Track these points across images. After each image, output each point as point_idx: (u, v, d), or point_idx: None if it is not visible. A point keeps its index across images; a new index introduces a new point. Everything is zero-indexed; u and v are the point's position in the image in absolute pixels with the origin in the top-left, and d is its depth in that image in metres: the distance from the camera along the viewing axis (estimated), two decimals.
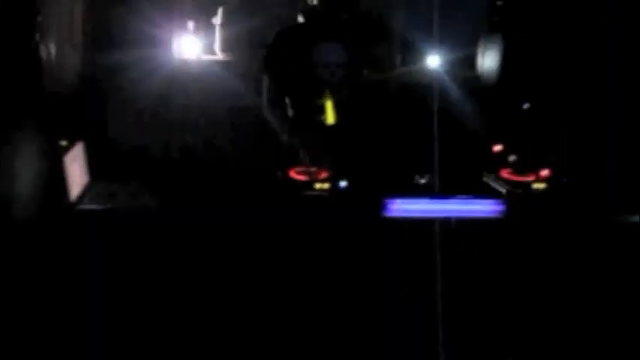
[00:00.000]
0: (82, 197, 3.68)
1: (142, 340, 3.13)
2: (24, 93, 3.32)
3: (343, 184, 3.87)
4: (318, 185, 3.84)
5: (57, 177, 3.44)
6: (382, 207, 3.45)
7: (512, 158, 4.23)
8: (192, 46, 4.33)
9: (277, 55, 4.05)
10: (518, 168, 4.14)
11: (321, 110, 3.94)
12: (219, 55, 4.42)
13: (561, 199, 3.92)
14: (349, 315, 3.33)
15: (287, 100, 4.07)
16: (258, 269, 3.43)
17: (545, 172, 4.09)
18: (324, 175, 3.90)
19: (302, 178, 3.89)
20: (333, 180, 3.87)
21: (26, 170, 3.34)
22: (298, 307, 3.35)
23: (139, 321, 3.17)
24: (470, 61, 4.69)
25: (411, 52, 4.58)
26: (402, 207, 3.53)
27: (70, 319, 3.03)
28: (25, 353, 2.88)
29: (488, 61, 4.63)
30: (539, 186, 4.04)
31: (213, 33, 4.45)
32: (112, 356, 3.06)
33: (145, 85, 4.03)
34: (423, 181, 3.88)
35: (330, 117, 3.96)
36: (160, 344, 3.11)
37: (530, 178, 4.08)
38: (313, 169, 3.92)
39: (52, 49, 3.65)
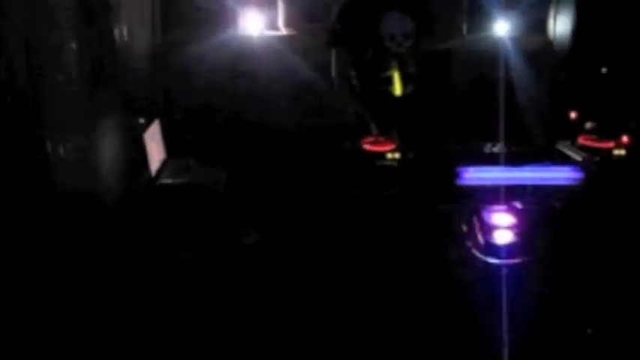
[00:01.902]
0: (160, 172, 3.83)
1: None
2: (102, 73, 3.46)
3: (414, 154, 3.85)
4: (389, 155, 3.84)
5: (138, 154, 3.59)
6: (456, 175, 3.41)
7: (589, 125, 4.09)
8: (255, 22, 4.37)
9: (343, 28, 4.03)
10: (597, 135, 4.00)
11: (389, 81, 3.92)
12: (283, 31, 4.45)
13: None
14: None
15: (354, 73, 4.06)
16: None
17: (624, 139, 3.93)
18: (394, 145, 3.90)
19: (373, 148, 3.90)
20: (404, 150, 3.86)
21: (111, 147, 3.51)
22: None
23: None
24: (542, 26, 4.54)
25: (479, 18, 4.47)
26: (475, 175, 3.47)
27: (154, 290, 3.15)
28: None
29: (560, 24, 4.46)
30: (620, 152, 3.89)
31: (276, 8, 4.47)
32: None
33: (212, 61, 4.10)
34: (495, 149, 3.81)
35: (397, 88, 3.94)
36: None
37: (610, 145, 3.94)
38: (383, 139, 3.92)
39: (125, 30, 3.77)
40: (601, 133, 4.00)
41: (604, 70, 4.29)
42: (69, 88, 3.19)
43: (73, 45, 3.22)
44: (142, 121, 3.77)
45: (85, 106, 3.28)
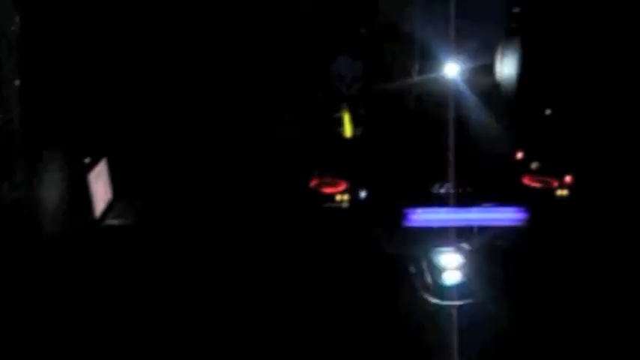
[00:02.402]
0: (105, 213, 3.74)
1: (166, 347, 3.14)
2: (49, 113, 3.40)
3: (363, 194, 3.86)
4: (338, 197, 3.84)
5: (82, 194, 3.50)
6: (403, 217, 3.43)
7: (534, 165, 4.19)
8: None
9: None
10: (541, 175, 4.09)
11: (339, 123, 3.95)
12: None
13: (585, 206, 3.85)
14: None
15: (302, 113, 4.08)
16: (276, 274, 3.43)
17: (568, 179, 4.03)
18: (343, 186, 3.90)
19: (322, 189, 3.90)
20: (353, 191, 3.87)
21: (52, 187, 3.41)
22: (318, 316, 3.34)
23: (165, 334, 3.19)
24: (488, 69, 4.67)
25: (429, 61, 4.57)
26: (422, 217, 3.50)
27: (95, 331, 3.06)
28: None
29: (506, 68, 4.60)
30: (562, 192, 3.98)
31: None
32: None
33: None
34: (442, 190, 3.85)
35: (347, 129, 3.97)
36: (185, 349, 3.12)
37: (554, 185, 4.03)
38: (332, 180, 3.93)
39: None
40: (545, 173, 4.09)
41: (548, 111, 4.42)
42: (8, 125, 3.13)
43: (16, 81, 3.17)
44: (87, 160, 3.69)
45: (25, 143, 3.21)
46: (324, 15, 4.19)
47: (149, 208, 3.82)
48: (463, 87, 4.44)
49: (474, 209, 3.62)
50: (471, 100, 4.40)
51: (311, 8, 4.14)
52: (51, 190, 3.42)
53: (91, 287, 3.26)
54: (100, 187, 3.74)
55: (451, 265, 3.42)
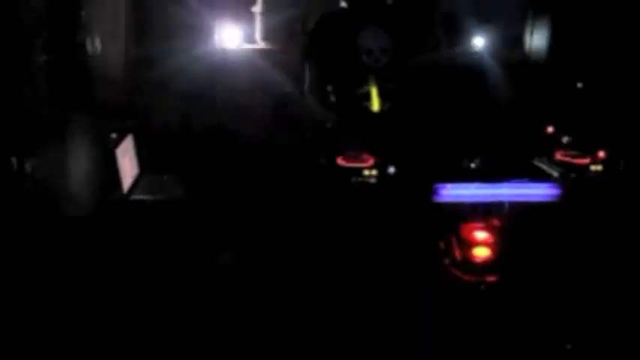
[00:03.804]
0: (133, 188, 3.74)
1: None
2: (75, 88, 3.39)
3: (392, 170, 3.81)
4: (366, 172, 3.80)
5: (109, 169, 3.50)
6: (433, 192, 3.38)
7: (565, 140, 4.10)
8: (233, 36, 4.33)
9: (319, 42, 4.00)
10: (574, 150, 4.00)
11: (367, 97, 3.89)
12: (260, 44, 4.41)
13: (618, 182, 3.77)
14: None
15: (330, 88, 4.03)
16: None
17: (601, 154, 3.94)
18: (371, 161, 3.86)
19: (350, 164, 3.86)
20: (381, 166, 3.82)
21: (80, 163, 3.42)
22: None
23: (191, 309, 3.21)
24: (518, 42, 4.56)
25: (457, 33, 4.48)
26: (452, 192, 3.44)
27: (123, 306, 3.09)
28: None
29: (536, 40, 4.49)
30: (596, 168, 3.90)
31: (254, 22, 4.44)
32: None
33: (189, 75, 4.05)
34: (473, 165, 3.79)
35: (375, 103, 3.91)
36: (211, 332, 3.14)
37: (587, 161, 3.94)
38: (360, 155, 3.88)
39: (98, 43, 3.71)
40: (577, 148, 4.00)
41: (580, 85, 4.32)
42: (37, 102, 3.12)
43: (42, 59, 3.16)
44: (114, 135, 3.68)
45: (54, 120, 3.21)
46: None
47: (177, 183, 3.82)
48: (492, 60, 4.35)
49: (505, 184, 3.55)
50: (501, 73, 4.31)
51: None
52: (79, 166, 3.43)
53: (120, 263, 3.27)
54: (127, 163, 3.74)
55: (481, 241, 3.37)
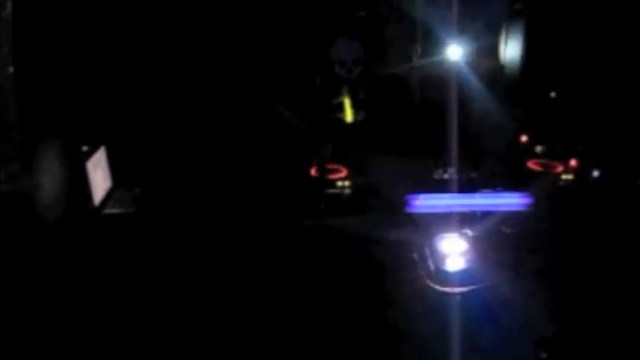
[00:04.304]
0: (105, 202, 3.70)
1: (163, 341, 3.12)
2: (45, 101, 3.35)
3: (364, 180, 3.81)
4: (339, 183, 3.79)
5: (80, 182, 3.46)
6: (405, 203, 3.38)
7: (539, 149, 4.12)
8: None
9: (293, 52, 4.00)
10: (546, 159, 4.03)
11: (340, 108, 3.89)
12: None
13: (590, 190, 3.80)
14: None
15: (302, 98, 4.02)
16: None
17: (573, 163, 3.97)
18: (344, 172, 3.85)
19: (323, 176, 3.85)
20: (354, 177, 3.82)
21: (50, 176, 3.38)
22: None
23: (164, 324, 3.17)
24: (492, 51, 4.59)
25: (432, 43, 4.49)
26: (425, 203, 3.45)
27: (92, 320, 3.05)
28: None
29: (511, 49, 4.52)
30: (567, 177, 3.92)
31: None
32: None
33: None
34: (445, 175, 3.80)
35: (349, 114, 3.91)
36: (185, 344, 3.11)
37: (559, 169, 3.96)
38: (333, 166, 3.88)
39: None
40: (550, 157, 4.03)
41: (553, 94, 4.35)
42: (3, 113, 3.08)
43: (10, 69, 3.11)
44: (85, 148, 3.64)
45: (21, 132, 3.17)
46: None
47: (148, 196, 3.78)
48: (466, 70, 4.37)
49: (478, 194, 3.56)
50: (475, 83, 4.33)
51: None
52: (49, 179, 3.39)
53: (91, 276, 3.23)
54: (99, 175, 3.70)
55: (454, 252, 3.37)
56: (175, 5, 3.96)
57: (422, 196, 3.44)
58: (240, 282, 3.30)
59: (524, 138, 4.21)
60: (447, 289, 3.30)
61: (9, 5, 3.02)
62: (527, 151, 4.11)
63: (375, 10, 4.21)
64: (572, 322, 3.13)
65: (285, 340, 2.99)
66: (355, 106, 3.93)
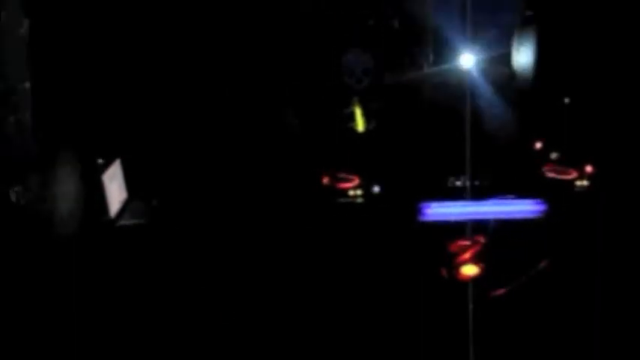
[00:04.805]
0: (121, 214, 3.75)
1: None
2: (61, 115, 3.42)
3: (377, 189, 3.81)
4: (352, 192, 3.80)
5: (96, 195, 3.51)
6: (418, 212, 3.38)
7: (554, 155, 4.09)
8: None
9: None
10: (561, 165, 3.99)
11: (351, 118, 3.91)
12: None
13: (606, 197, 3.75)
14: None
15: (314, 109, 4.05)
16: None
17: (588, 169, 3.93)
18: (356, 181, 3.86)
19: (335, 185, 3.86)
20: (367, 186, 3.82)
21: (66, 189, 3.44)
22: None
23: (177, 333, 3.20)
24: (505, 59, 4.57)
25: (444, 51, 4.50)
26: (438, 211, 3.44)
27: (108, 331, 3.09)
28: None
29: (523, 57, 4.50)
30: (582, 183, 3.88)
31: None
32: None
33: None
34: (459, 183, 3.78)
35: (360, 124, 3.92)
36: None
37: (573, 176, 3.93)
38: (345, 175, 3.89)
39: None
40: (565, 163, 3.99)
41: (567, 100, 4.32)
42: (20, 128, 3.15)
43: (27, 84, 3.18)
44: (100, 161, 3.70)
45: (38, 146, 3.24)
46: (331, 8, 4.14)
47: (164, 208, 3.83)
48: (479, 77, 4.36)
49: (491, 202, 3.54)
50: (487, 90, 4.32)
51: (319, 2, 4.10)
52: (65, 192, 3.45)
53: (107, 288, 3.27)
54: (115, 188, 3.75)
55: (468, 259, 3.36)
56: (188, 17, 4.03)
57: (434, 204, 3.43)
58: (253, 292, 3.32)
59: (538, 144, 4.19)
60: (461, 296, 3.29)
61: (25, 23, 3.11)
62: (542, 158, 4.08)
63: (385, 19, 4.23)
64: (585, 326, 3.12)
65: (300, 333, 3.00)
66: (366, 116, 3.94)
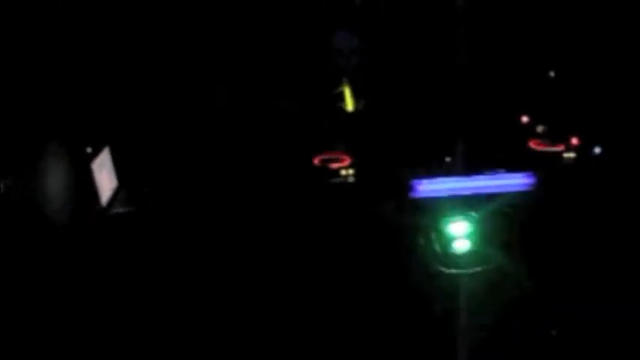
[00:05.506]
0: (112, 202, 3.73)
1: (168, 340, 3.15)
2: (49, 105, 3.38)
3: (369, 168, 3.83)
4: (343, 171, 3.81)
5: (86, 183, 3.49)
6: (410, 188, 3.40)
7: (540, 129, 4.14)
8: None
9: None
10: (548, 138, 4.04)
11: (341, 97, 3.91)
12: None
13: (593, 168, 3.81)
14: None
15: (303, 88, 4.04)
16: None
17: (574, 141, 3.98)
18: (347, 161, 3.88)
19: (326, 165, 3.88)
20: (358, 165, 3.84)
21: (57, 178, 3.41)
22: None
23: (171, 323, 3.20)
24: None
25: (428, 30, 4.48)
26: (429, 187, 3.47)
27: (99, 320, 3.08)
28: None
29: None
30: (569, 155, 3.94)
31: None
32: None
33: None
34: (448, 159, 3.81)
35: (349, 103, 3.93)
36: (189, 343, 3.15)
37: (560, 148, 3.98)
38: (336, 155, 3.90)
39: None
40: (551, 136, 4.04)
41: (552, 73, 4.35)
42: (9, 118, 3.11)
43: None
44: (89, 150, 3.67)
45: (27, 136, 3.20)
46: None
47: (155, 194, 3.81)
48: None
49: (481, 176, 3.58)
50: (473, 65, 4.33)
51: None
52: (55, 182, 3.42)
53: (99, 276, 3.26)
54: (104, 176, 3.73)
55: (460, 234, 3.40)
56: (175, 2, 3.98)
57: (426, 181, 3.46)
58: (248, 279, 3.33)
59: (525, 118, 4.22)
60: (454, 272, 3.33)
61: None
62: (529, 132, 4.12)
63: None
64: (580, 299, 3.16)
65: (297, 329, 3.03)
66: (355, 95, 3.95)
